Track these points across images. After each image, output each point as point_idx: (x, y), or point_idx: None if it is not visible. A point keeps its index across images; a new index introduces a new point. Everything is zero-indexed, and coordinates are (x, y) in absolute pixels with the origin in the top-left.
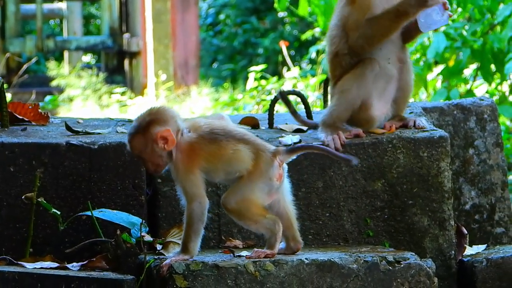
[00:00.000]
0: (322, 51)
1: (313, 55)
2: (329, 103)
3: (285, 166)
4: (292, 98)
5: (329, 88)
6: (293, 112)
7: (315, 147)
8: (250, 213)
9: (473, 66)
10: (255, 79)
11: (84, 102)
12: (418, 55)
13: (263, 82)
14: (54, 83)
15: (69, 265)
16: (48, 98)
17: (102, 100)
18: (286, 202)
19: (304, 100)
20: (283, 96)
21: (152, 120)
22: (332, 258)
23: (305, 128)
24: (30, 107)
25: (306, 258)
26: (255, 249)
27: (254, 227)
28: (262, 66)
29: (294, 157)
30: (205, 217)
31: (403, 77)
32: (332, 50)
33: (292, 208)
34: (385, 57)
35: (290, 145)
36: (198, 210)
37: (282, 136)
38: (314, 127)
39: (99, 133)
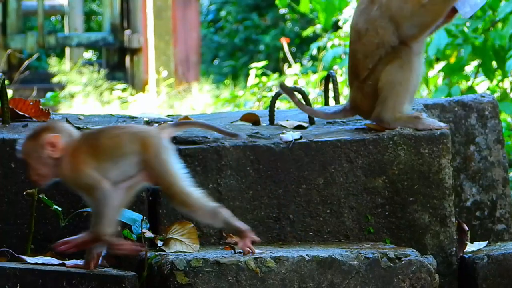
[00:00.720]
0: (323, 47)
1: (314, 52)
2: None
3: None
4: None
5: (334, 83)
6: (297, 102)
7: (199, 123)
8: (182, 195)
9: (474, 63)
10: (256, 76)
11: (85, 99)
12: None
13: (264, 78)
14: (55, 80)
15: (69, 262)
16: (49, 94)
17: (103, 96)
18: None
19: (304, 96)
20: (284, 88)
21: (45, 128)
22: (333, 255)
23: (306, 124)
24: (31, 103)
25: (307, 255)
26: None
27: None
28: (263, 63)
29: (180, 132)
30: (111, 201)
31: (421, 70)
32: (374, 41)
33: None
34: (420, 49)
35: (290, 141)
36: (103, 196)
37: (283, 133)
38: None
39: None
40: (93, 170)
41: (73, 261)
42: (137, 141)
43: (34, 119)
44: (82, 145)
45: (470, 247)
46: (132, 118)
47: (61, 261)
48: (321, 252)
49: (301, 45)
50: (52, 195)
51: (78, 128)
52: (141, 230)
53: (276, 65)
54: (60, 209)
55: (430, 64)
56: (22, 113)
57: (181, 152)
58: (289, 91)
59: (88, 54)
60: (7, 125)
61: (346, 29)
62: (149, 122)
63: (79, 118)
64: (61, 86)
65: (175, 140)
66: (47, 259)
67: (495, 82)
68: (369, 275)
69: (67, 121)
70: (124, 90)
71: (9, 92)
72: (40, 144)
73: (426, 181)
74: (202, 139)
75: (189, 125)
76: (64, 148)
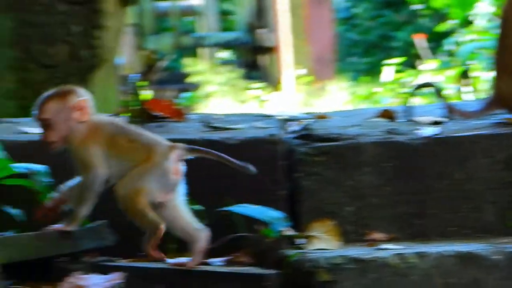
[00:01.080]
0: (458, 43)
1: (448, 47)
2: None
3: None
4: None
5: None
6: (439, 97)
7: (211, 153)
8: (137, 204)
9: None
10: (393, 72)
11: (221, 98)
12: None
13: (400, 75)
14: (191, 80)
15: (210, 261)
16: (185, 94)
17: (239, 95)
18: (179, 205)
19: (440, 92)
20: (422, 85)
21: (74, 90)
22: (475, 250)
23: (443, 119)
24: (166, 103)
25: (448, 250)
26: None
27: (139, 221)
28: (398, 59)
29: (191, 156)
30: (97, 187)
31: None
32: None
33: (186, 208)
34: None
35: (428, 137)
36: (92, 179)
37: (420, 128)
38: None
39: (236, 129)
40: (99, 153)
41: (216, 259)
42: (146, 151)
43: (170, 119)
44: (102, 127)
45: None
46: (268, 116)
47: (202, 261)
48: (463, 247)
49: (436, 40)
50: (193, 194)
51: (214, 128)
52: (282, 228)
53: (411, 61)
54: (201, 208)
55: None
56: (158, 114)
57: (319, 149)
58: (427, 87)
59: (223, 54)
60: (144, 126)
61: (479, 23)
62: (285, 120)
63: (215, 117)
64: (197, 86)
65: (312, 138)
66: (187, 259)
67: None
68: (511, 270)
69: (203, 120)
70: (260, 89)
71: (147, 93)
72: (69, 106)
73: None
74: (339, 136)
75: (201, 153)
76: (89, 116)
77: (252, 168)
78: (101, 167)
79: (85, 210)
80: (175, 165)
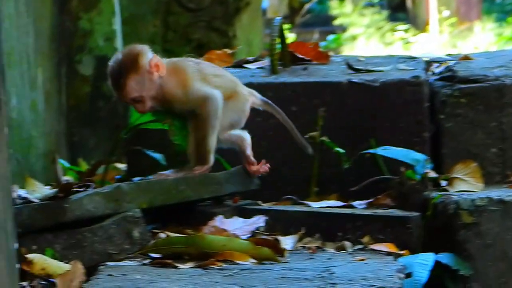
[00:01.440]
0: None
1: None
2: None
3: None
4: None
5: None
6: None
7: (280, 113)
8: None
9: None
10: None
11: (367, 41)
12: None
13: None
14: (336, 22)
15: (354, 203)
16: (330, 37)
17: (385, 38)
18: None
19: None
20: None
21: (136, 54)
22: None
23: None
24: (310, 46)
25: None
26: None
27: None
28: None
29: (261, 108)
30: (220, 112)
31: None
32: None
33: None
34: None
35: None
36: (214, 105)
37: None
38: None
39: (380, 71)
40: (202, 83)
41: (358, 202)
42: (230, 89)
43: (314, 62)
44: (183, 64)
45: None
46: (412, 58)
47: (345, 203)
48: None
49: None
50: (334, 137)
51: (358, 70)
52: (425, 170)
53: None
54: (342, 151)
55: None
56: (301, 56)
57: (462, 91)
58: None
59: None
60: (287, 69)
61: None
62: (429, 62)
63: (359, 60)
64: (343, 29)
65: (456, 80)
66: (331, 202)
67: None
68: None
69: (347, 63)
70: (406, 30)
71: (291, 36)
72: (145, 71)
73: None
74: (483, 78)
75: (271, 109)
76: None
77: (310, 149)
78: (214, 90)
79: (214, 142)
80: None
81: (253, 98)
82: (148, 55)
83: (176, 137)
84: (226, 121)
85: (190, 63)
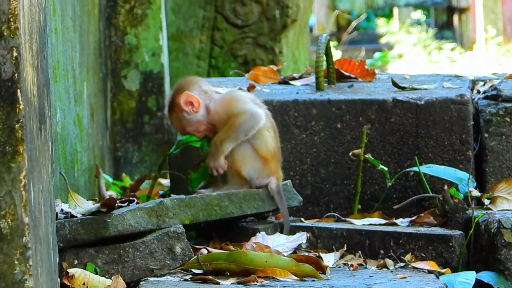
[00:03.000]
0: None
1: None
2: None
3: None
4: None
5: None
6: None
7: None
8: None
9: None
10: None
11: (413, 59)
12: None
13: None
14: (383, 40)
15: (397, 221)
16: (377, 55)
17: (431, 56)
18: None
19: None
20: None
21: (174, 93)
22: None
23: None
24: (356, 63)
25: None
26: None
27: None
28: None
29: None
30: (253, 131)
31: None
32: None
33: None
34: None
35: None
36: (250, 122)
37: None
38: None
39: (426, 89)
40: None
41: (400, 220)
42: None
43: (360, 79)
44: (235, 94)
45: None
46: (458, 76)
47: (388, 221)
48: None
49: None
50: (379, 154)
51: (403, 88)
52: (468, 188)
53: None
54: (386, 168)
55: None
56: (347, 74)
57: (507, 110)
58: None
59: (416, 14)
60: (333, 86)
61: None
62: (474, 81)
63: (405, 78)
64: (389, 47)
65: (501, 98)
66: (374, 220)
67: None
68: None
69: (392, 81)
70: (452, 49)
71: (337, 53)
72: (180, 110)
73: None
74: None
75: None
76: (206, 103)
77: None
78: (258, 111)
79: (229, 147)
80: None
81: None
82: (180, 93)
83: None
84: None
85: (242, 92)
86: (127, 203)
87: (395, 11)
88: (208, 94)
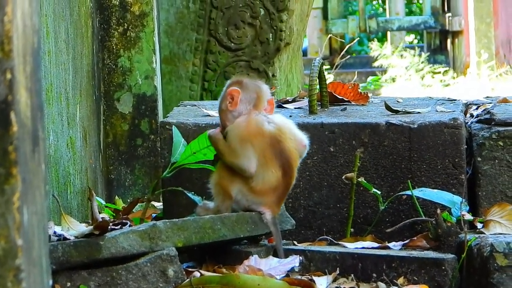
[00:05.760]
0: None
1: None
2: None
3: None
4: None
5: None
6: None
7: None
8: None
9: None
10: None
11: (406, 82)
12: None
13: None
14: (376, 64)
15: (389, 245)
16: (370, 78)
17: (424, 79)
18: None
19: None
20: None
21: (234, 81)
22: None
23: None
24: (350, 87)
25: None
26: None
27: None
28: None
29: None
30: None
31: None
32: None
33: None
34: None
35: None
36: (237, 165)
37: None
38: None
39: (419, 112)
40: (251, 149)
41: (393, 243)
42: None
43: (353, 103)
44: (261, 123)
45: None
46: (451, 100)
47: (381, 244)
48: None
49: None
50: (372, 178)
51: (396, 111)
52: (461, 212)
53: None
54: (379, 192)
55: None
56: (340, 97)
57: (500, 134)
58: None
59: (409, 38)
60: (326, 109)
61: None
62: (467, 105)
63: (398, 101)
64: (382, 70)
65: (494, 122)
66: (367, 243)
67: None
68: None
69: (385, 104)
70: (445, 73)
71: (330, 77)
72: (225, 94)
73: None
74: None
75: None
76: (242, 106)
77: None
78: (252, 165)
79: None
80: None
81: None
82: (236, 86)
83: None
84: None
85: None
86: (120, 225)
87: (388, 35)
88: (254, 109)
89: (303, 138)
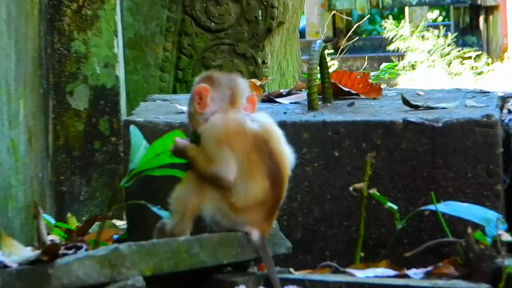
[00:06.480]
0: None
1: None
2: None
3: None
4: None
5: None
6: None
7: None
8: None
9: None
10: None
11: (428, 70)
12: None
13: None
14: (391, 47)
15: (409, 272)
16: (384, 65)
17: (451, 67)
18: None
19: None
20: None
21: (203, 77)
22: None
23: None
24: (358, 77)
25: None
26: None
27: None
28: None
29: None
30: (213, 180)
31: None
32: None
33: None
34: None
35: None
36: (214, 173)
37: None
38: None
39: (444, 108)
40: (229, 151)
41: (413, 271)
42: None
43: (362, 96)
44: (242, 121)
45: None
46: (484, 93)
47: (398, 272)
48: None
49: None
50: (386, 189)
51: (416, 107)
52: (497, 231)
53: None
54: (395, 206)
55: None
56: (347, 89)
57: None
58: None
59: (433, 15)
60: (329, 104)
61: None
62: (504, 98)
63: (418, 94)
64: (399, 55)
65: None
66: (381, 271)
67: None
68: None
69: (403, 98)
70: (477, 58)
71: (334, 64)
72: (192, 94)
73: None
74: None
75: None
76: (214, 106)
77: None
78: (231, 168)
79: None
80: None
81: None
82: (204, 82)
83: None
84: None
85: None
86: (73, 250)
87: (406, 11)
88: (228, 106)
89: (290, 156)
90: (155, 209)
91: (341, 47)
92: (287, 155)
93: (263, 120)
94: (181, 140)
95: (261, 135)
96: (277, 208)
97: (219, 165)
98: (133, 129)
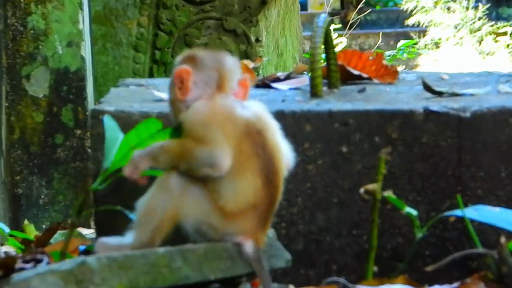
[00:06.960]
0: None
1: None
2: None
3: None
4: None
5: None
6: None
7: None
8: None
9: None
10: None
11: (455, 49)
12: None
13: None
14: (411, 21)
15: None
16: (401, 43)
17: (482, 45)
18: None
19: None
20: None
21: (185, 57)
22: None
23: None
24: (370, 57)
25: None
26: None
27: None
28: None
29: None
30: (203, 170)
31: None
32: None
33: None
34: None
35: None
36: (205, 156)
37: None
38: None
39: (472, 94)
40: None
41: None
42: None
43: (375, 81)
44: (231, 106)
45: None
46: None
47: None
48: None
49: None
50: (404, 191)
51: (440, 93)
52: None
53: None
54: (415, 212)
55: None
56: (357, 72)
57: None
58: None
59: None
60: (336, 90)
61: None
62: None
63: (442, 78)
64: (420, 31)
65: None
66: (397, 287)
67: None
68: None
69: (423, 82)
70: None
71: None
72: (172, 77)
73: None
74: None
75: None
76: (197, 91)
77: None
78: (223, 148)
79: (163, 163)
80: None
81: None
82: (187, 63)
83: None
84: None
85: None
86: (32, 263)
87: None
88: (215, 91)
89: (288, 153)
90: (132, 215)
91: (351, 21)
92: (284, 150)
93: (255, 108)
94: (137, 151)
95: (253, 123)
96: (272, 213)
97: (210, 146)
98: (107, 120)
